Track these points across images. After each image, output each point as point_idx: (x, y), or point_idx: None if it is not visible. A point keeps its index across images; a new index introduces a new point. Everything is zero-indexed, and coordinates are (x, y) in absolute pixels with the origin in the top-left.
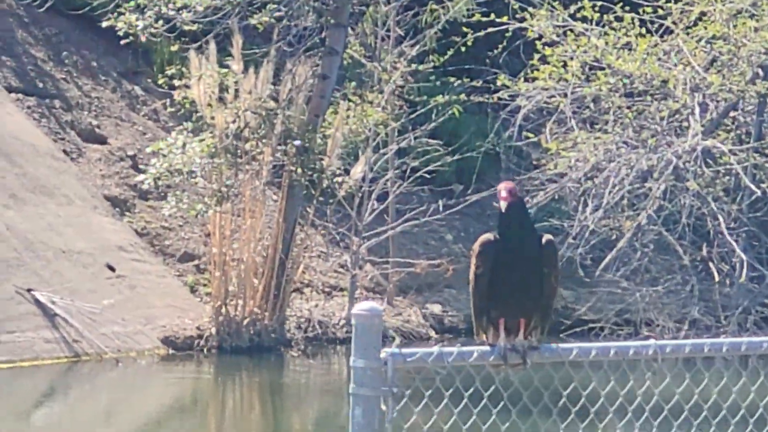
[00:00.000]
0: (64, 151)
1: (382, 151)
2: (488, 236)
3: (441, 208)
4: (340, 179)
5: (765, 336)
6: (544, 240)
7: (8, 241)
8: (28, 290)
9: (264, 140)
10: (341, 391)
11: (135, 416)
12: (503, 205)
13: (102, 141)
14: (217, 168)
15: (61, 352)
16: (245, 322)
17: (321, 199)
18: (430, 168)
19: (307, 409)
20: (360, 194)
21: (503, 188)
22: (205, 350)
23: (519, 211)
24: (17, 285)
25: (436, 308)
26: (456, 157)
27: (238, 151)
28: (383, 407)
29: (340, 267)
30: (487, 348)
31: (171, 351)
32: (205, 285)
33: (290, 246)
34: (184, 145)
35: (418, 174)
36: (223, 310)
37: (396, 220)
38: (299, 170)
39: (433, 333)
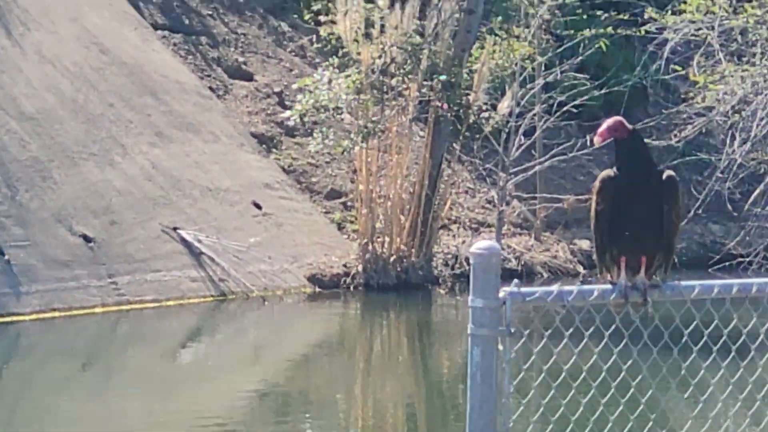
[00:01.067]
0: (210, 88)
1: (528, 85)
2: (608, 172)
3: (588, 143)
4: (486, 114)
5: None
6: (664, 176)
7: (154, 179)
8: (174, 229)
9: (410, 76)
10: None
11: (283, 354)
12: (596, 140)
13: (248, 78)
14: (363, 104)
15: (207, 291)
16: (392, 259)
17: (467, 134)
18: (577, 102)
19: (454, 347)
20: (507, 129)
21: (604, 123)
22: (351, 288)
23: (635, 146)
24: (163, 223)
25: (584, 244)
26: (603, 91)
27: (384, 86)
28: (500, 347)
29: (487, 203)
30: (607, 286)
31: (317, 289)
32: (351, 222)
33: (437, 182)
34: (330, 81)
35: (565, 108)
36: (370, 247)
37: (543, 155)
38: (445, 106)
39: (581, 268)
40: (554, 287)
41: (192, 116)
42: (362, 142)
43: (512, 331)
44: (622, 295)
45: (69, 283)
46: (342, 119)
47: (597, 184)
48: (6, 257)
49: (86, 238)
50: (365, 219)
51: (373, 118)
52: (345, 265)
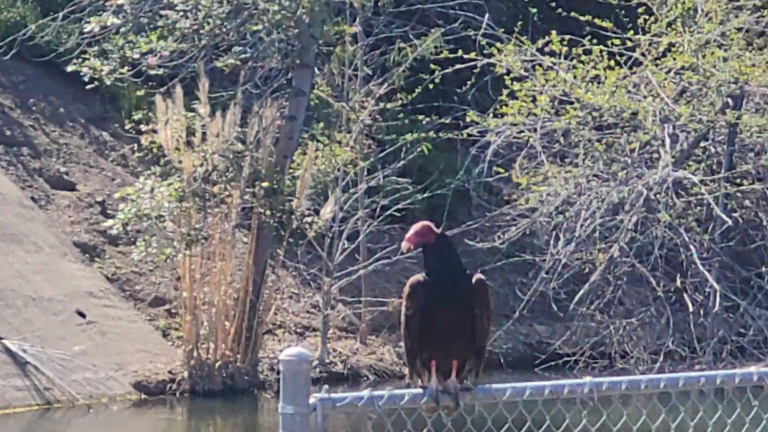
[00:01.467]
0: (33, 198)
1: (351, 190)
2: (418, 277)
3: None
4: (309, 220)
5: (742, 366)
6: (474, 279)
7: None
8: None
9: (232, 183)
10: None
11: None
12: (404, 246)
13: (70, 187)
14: (185, 212)
15: (32, 400)
16: (217, 364)
17: (291, 240)
18: (400, 206)
19: None
20: (330, 234)
21: (411, 229)
22: (177, 394)
23: (443, 251)
24: None
25: None
26: (426, 195)
27: (207, 194)
28: None
29: (313, 307)
30: (418, 390)
31: (143, 396)
32: (176, 329)
33: (261, 288)
34: (152, 189)
35: (388, 212)
36: (195, 353)
37: (367, 259)
38: (268, 212)
39: (407, 370)
40: (365, 392)
41: (14, 226)
42: (185, 249)
43: None
44: (433, 399)
45: None
46: (165, 227)
47: (406, 288)
48: None
49: None
50: (190, 325)
51: (196, 226)
52: (170, 372)
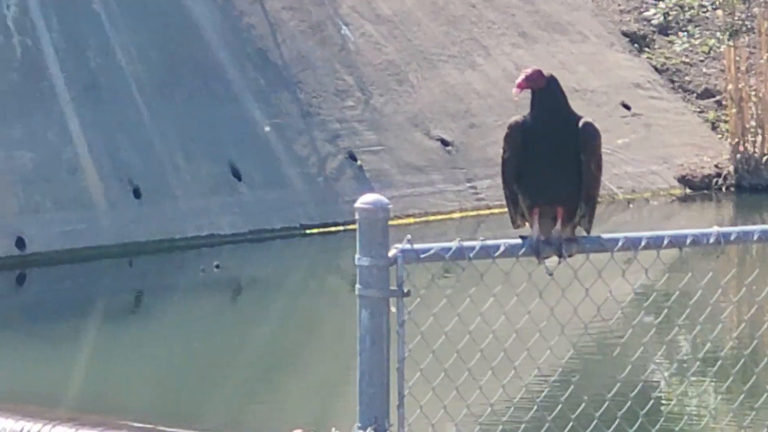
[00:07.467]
0: None
1: None
2: (517, 118)
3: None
4: None
5: None
6: (581, 123)
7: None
8: None
9: None
10: None
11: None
12: (514, 91)
13: None
14: (729, 1)
15: None
16: (765, 159)
17: None
18: None
19: None
20: None
21: (522, 74)
22: (723, 189)
23: (551, 94)
24: None
25: None
26: None
27: None
28: (393, 309)
29: None
30: (516, 241)
31: (687, 190)
32: (725, 121)
33: None
34: None
35: None
36: (741, 147)
37: None
38: None
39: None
40: (453, 243)
41: (559, 16)
42: (729, 40)
43: (406, 291)
44: (533, 251)
45: (424, 188)
46: (709, 17)
47: (506, 130)
48: (358, 163)
49: (444, 142)
50: (735, 118)
51: (741, 16)
52: (716, 166)
